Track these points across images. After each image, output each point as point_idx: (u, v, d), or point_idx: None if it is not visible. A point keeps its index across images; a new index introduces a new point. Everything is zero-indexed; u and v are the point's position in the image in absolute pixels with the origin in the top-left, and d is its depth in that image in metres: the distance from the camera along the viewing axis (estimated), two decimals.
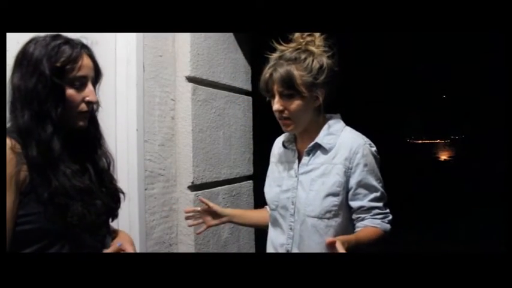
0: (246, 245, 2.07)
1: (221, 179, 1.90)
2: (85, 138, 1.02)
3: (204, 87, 1.79)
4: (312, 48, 1.16)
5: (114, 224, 1.10)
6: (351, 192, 1.17)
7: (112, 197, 1.05)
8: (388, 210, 1.20)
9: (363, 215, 1.17)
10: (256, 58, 2.17)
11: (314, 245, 1.17)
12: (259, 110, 2.22)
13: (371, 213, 1.17)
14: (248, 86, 2.14)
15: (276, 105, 1.17)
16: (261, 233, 2.22)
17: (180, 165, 1.73)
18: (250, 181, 2.15)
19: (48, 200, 0.87)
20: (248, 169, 2.13)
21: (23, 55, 0.92)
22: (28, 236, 0.88)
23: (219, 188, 1.89)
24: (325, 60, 1.16)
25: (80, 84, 0.94)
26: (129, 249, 1.00)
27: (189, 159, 1.72)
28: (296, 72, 1.14)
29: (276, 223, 1.27)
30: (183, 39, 1.72)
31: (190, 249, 1.71)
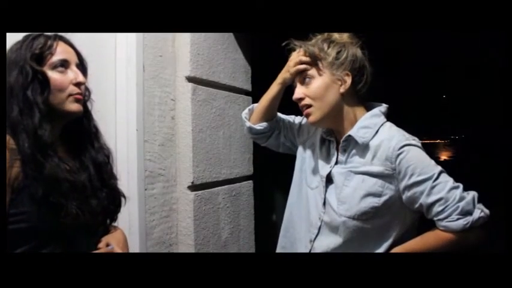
0: (246, 245, 2.07)
1: (221, 179, 1.90)
2: (80, 132, 1.02)
3: (204, 87, 1.79)
4: (334, 36, 1.15)
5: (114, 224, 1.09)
6: (405, 196, 1.06)
7: (113, 199, 1.03)
8: (459, 205, 1.01)
9: (432, 218, 1.05)
10: (256, 58, 2.18)
11: (335, 243, 1.11)
12: None
13: (433, 214, 1.04)
14: (248, 86, 2.14)
15: (295, 94, 1.16)
16: (261, 233, 2.22)
17: (180, 165, 1.73)
18: (250, 181, 2.14)
19: (42, 197, 0.86)
20: (248, 169, 2.12)
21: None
22: (18, 235, 0.86)
23: (219, 188, 1.88)
24: (347, 45, 1.13)
25: (63, 67, 0.95)
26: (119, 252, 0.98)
27: (189, 159, 1.71)
28: (318, 54, 1.13)
29: (310, 203, 1.20)
30: (183, 39, 1.72)
31: (190, 249, 1.71)
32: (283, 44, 1.19)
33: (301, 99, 1.14)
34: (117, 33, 1.52)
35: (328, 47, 1.13)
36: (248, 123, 1.35)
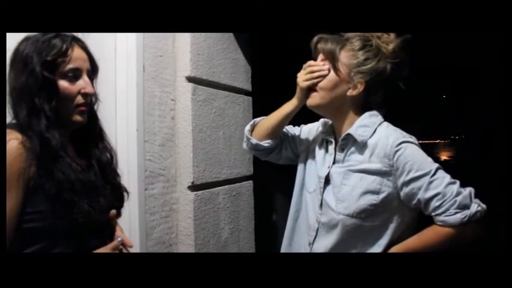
0: (246, 245, 2.07)
1: (221, 179, 1.90)
2: (86, 133, 1.02)
3: (204, 87, 1.79)
4: (374, 41, 1.11)
5: None
6: (403, 193, 1.06)
7: (116, 196, 1.05)
8: (457, 199, 1.02)
9: (430, 214, 1.05)
10: (256, 58, 2.18)
11: (333, 243, 1.11)
12: (259, 110, 2.22)
13: (430, 209, 1.04)
14: (248, 86, 2.14)
15: None
16: (261, 233, 2.22)
17: (180, 165, 1.73)
18: (250, 181, 2.14)
19: (55, 196, 0.87)
20: (248, 169, 2.13)
21: (15, 55, 0.93)
22: (32, 234, 0.88)
23: (219, 188, 1.89)
24: (381, 56, 1.10)
25: (74, 76, 0.94)
26: (127, 242, 0.98)
27: (189, 159, 1.71)
28: (340, 51, 1.11)
29: (309, 207, 1.20)
30: (183, 39, 1.72)
31: (190, 249, 1.71)
32: (314, 39, 1.16)
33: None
34: (117, 33, 1.53)
35: (361, 49, 1.11)
36: (254, 141, 1.30)
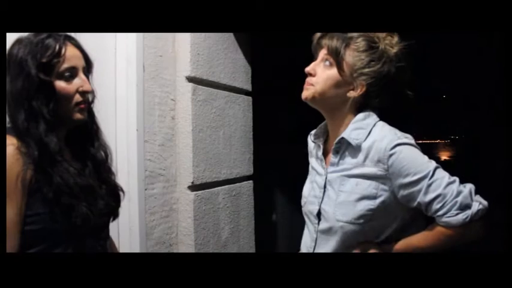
0: (246, 245, 2.08)
1: (221, 179, 1.90)
2: (83, 131, 1.02)
3: (204, 87, 1.79)
4: (380, 44, 1.08)
5: (114, 224, 1.10)
6: (400, 195, 1.05)
7: (113, 196, 1.04)
8: (457, 200, 1.00)
9: (431, 215, 1.04)
10: (256, 58, 2.18)
11: (334, 250, 1.09)
12: (259, 110, 2.23)
13: (432, 211, 1.03)
14: (248, 86, 2.14)
15: (309, 66, 1.11)
16: (261, 233, 2.22)
17: (180, 165, 1.73)
18: (250, 181, 2.14)
19: (54, 199, 0.87)
20: (248, 169, 2.13)
21: (9, 58, 0.92)
22: (31, 236, 0.88)
23: (219, 188, 1.89)
24: (386, 59, 1.08)
25: (70, 75, 0.93)
26: None
27: (189, 159, 1.71)
28: (345, 49, 1.08)
29: (307, 222, 1.19)
30: (183, 39, 1.72)
31: (190, 249, 1.71)
32: (317, 34, 1.12)
33: (310, 74, 1.11)
34: (117, 33, 1.53)
35: (366, 51, 1.08)
36: None
